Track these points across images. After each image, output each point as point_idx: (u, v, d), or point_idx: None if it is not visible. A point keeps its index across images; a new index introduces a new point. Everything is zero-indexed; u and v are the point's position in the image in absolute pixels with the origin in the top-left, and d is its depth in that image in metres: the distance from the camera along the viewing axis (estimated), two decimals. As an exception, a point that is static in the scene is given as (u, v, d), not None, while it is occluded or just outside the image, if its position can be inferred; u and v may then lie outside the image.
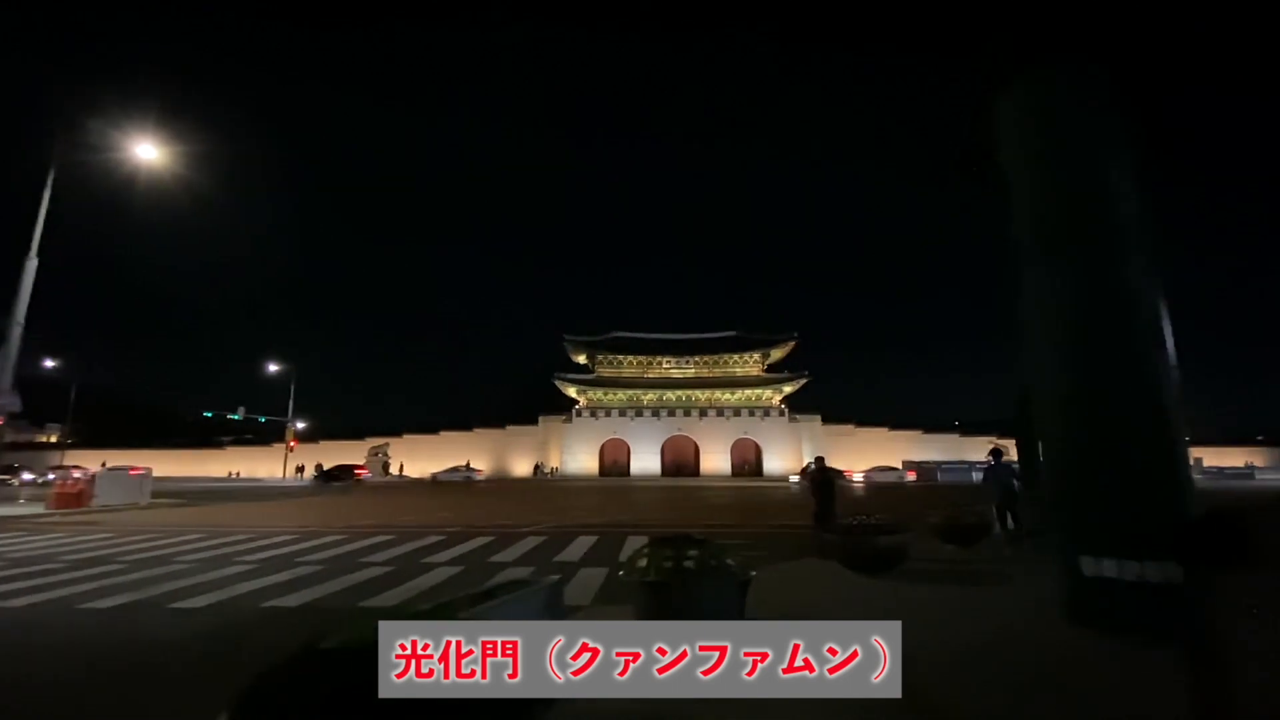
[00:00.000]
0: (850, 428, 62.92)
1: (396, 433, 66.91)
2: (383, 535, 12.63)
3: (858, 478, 48.84)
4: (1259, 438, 61.09)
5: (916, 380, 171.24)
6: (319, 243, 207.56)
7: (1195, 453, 48.13)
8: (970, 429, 67.30)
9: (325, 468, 41.43)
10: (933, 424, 66.19)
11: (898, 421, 65.07)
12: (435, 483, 46.98)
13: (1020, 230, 5.93)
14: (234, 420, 51.99)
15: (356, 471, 52.27)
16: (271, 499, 26.40)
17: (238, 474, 64.20)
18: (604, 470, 61.23)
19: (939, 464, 49.28)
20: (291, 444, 53.48)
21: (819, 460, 9.49)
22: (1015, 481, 10.30)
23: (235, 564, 9.22)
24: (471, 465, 56.99)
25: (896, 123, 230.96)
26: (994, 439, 61.88)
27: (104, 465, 35.99)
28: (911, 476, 49.54)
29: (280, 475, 55.98)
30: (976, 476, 46.22)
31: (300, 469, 55.36)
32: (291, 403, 54.54)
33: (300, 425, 57.82)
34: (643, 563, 4.73)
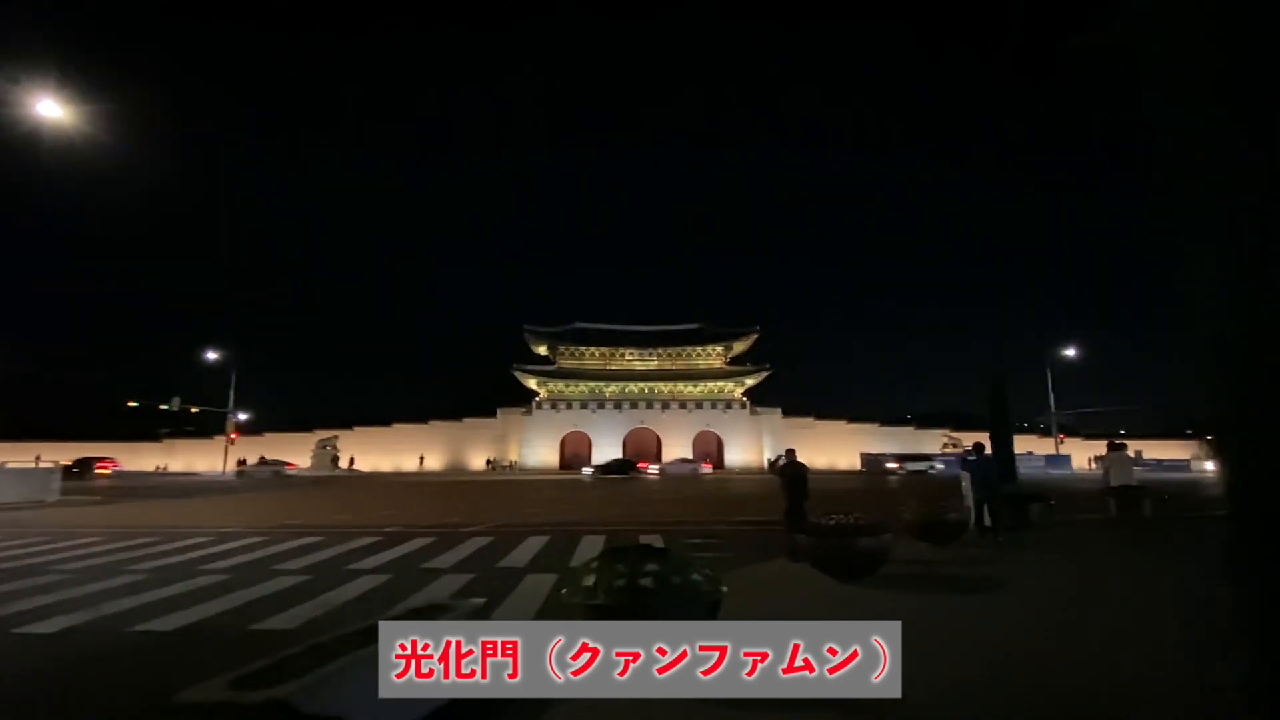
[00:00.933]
0: (810, 420, 63.43)
1: (347, 425, 64.23)
2: (311, 536, 11.39)
3: (653, 469, 49.38)
4: (1187, 431, 63.87)
5: (875, 374, 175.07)
6: (266, 225, 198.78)
7: (1137, 445, 50.02)
8: (925, 422, 68.87)
9: (248, 461, 39.24)
10: (889, 417, 67.40)
11: (855, 415, 66.01)
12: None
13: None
14: (175, 411, 48.88)
15: (288, 465, 49.88)
16: (203, 495, 24.48)
17: (164, 468, 60.49)
18: (565, 464, 60.10)
19: (895, 457, 49.85)
20: (232, 436, 50.62)
21: (789, 453, 8.77)
22: (995, 476, 9.81)
23: (123, 573, 7.94)
24: (424, 459, 55.06)
25: (864, 102, 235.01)
26: (947, 432, 63.66)
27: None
28: (707, 468, 50.23)
29: (221, 469, 52.92)
30: (934, 469, 47.01)
31: (242, 463, 52.43)
32: (232, 393, 51.60)
33: (242, 417, 54.87)
34: (590, 580, 3.84)
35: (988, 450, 10.42)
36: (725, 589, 4.09)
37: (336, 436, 57.95)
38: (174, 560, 8.94)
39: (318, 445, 57.04)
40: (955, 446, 57.41)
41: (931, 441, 59.89)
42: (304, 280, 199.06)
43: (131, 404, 44.59)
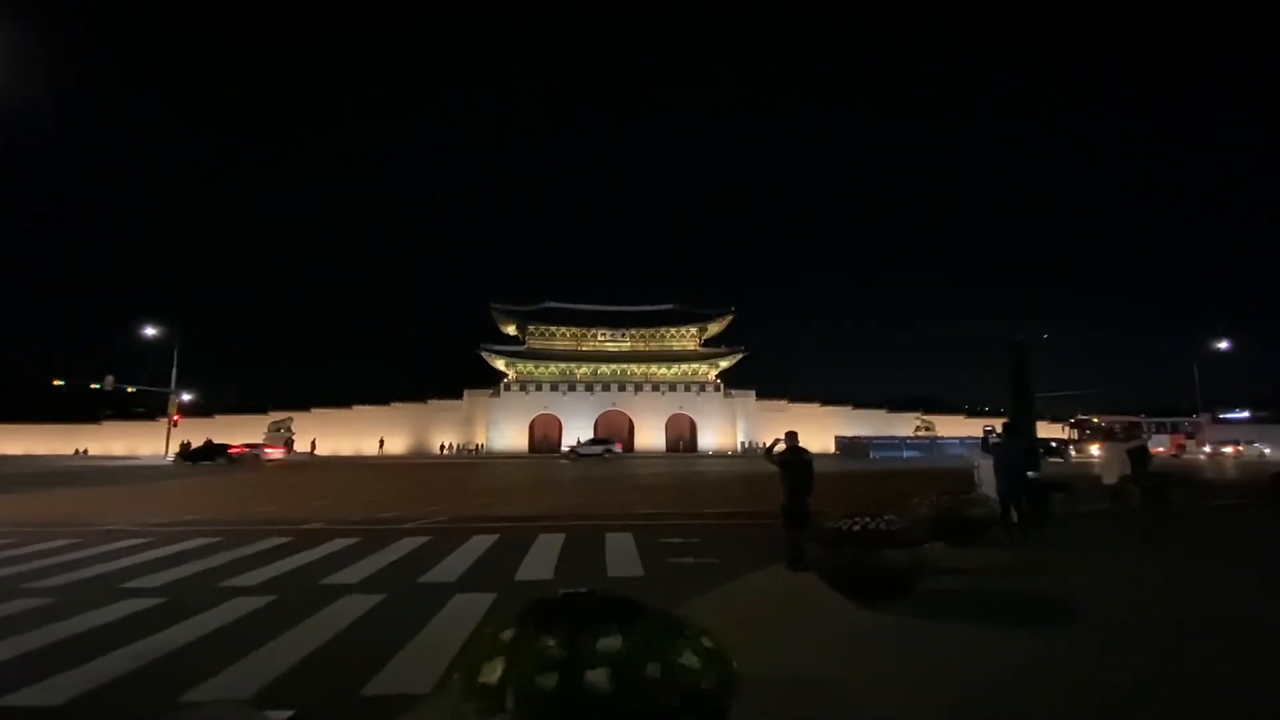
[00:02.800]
0: (784, 403, 62.58)
1: (304, 406, 61.11)
2: (205, 537, 9.41)
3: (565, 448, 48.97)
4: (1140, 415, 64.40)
5: (849, 359, 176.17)
6: (220, 194, 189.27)
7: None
8: (898, 405, 68.70)
9: (193, 445, 36.24)
10: (862, 400, 67.00)
11: (828, 398, 65.43)
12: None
13: None
14: (109, 391, 45.35)
15: (266, 450, 46.00)
16: (120, 482, 21.97)
17: (85, 451, 56.49)
18: (534, 447, 58.17)
19: (870, 439, 49.15)
20: (175, 418, 47.42)
21: (791, 437, 7.12)
22: (1024, 462, 8.36)
23: (-87, 596, 5.92)
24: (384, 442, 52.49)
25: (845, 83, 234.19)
26: (920, 415, 63.58)
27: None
28: (619, 448, 48.85)
29: (164, 453, 49.58)
30: (908, 454, 46.32)
31: (186, 446, 49.16)
32: (174, 372, 48.40)
33: (186, 397, 51.50)
34: (493, 673, 2.08)
35: (991, 432, 8.93)
36: (738, 672, 2.36)
37: (290, 418, 54.90)
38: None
39: (270, 427, 53.91)
40: (928, 430, 57.26)
41: (904, 424, 59.62)
42: (261, 257, 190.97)
43: (56, 382, 40.96)
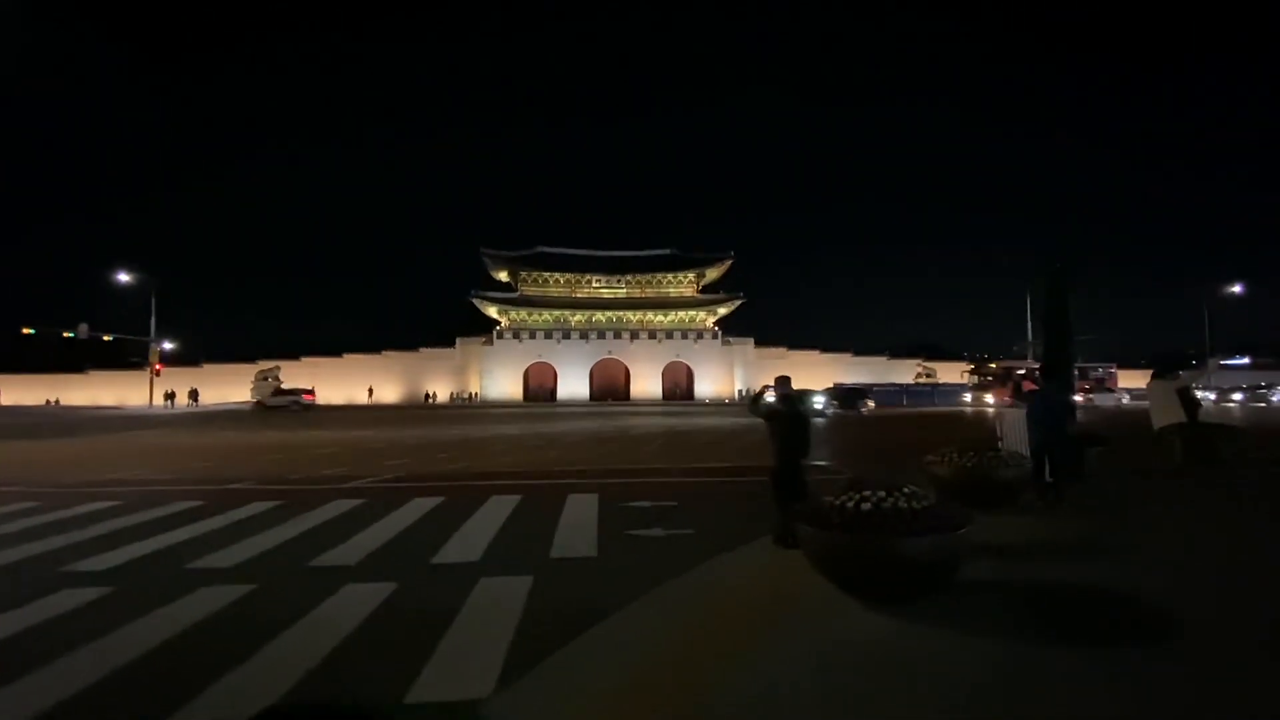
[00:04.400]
0: (783, 350, 61.21)
1: (294, 356, 59.86)
2: (103, 500, 8.13)
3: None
4: (1141, 361, 63.34)
5: (849, 306, 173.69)
6: (202, 130, 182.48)
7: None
8: (898, 353, 67.34)
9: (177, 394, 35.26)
10: (863, 347, 65.66)
11: (828, 345, 64.08)
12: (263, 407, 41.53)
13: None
14: (84, 339, 43.96)
15: (305, 395, 44.02)
16: (86, 434, 20.81)
17: (56, 401, 55.43)
18: (529, 395, 57.21)
19: (869, 387, 47.86)
20: (156, 367, 46.19)
21: (782, 383, 5.68)
22: (1064, 414, 6.97)
23: None
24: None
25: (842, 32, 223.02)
26: (920, 362, 62.22)
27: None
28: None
29: (149, 403, 48.62)
30: (906, 400, 45.11)
31: (170, 395, 48.22)
32: (153, 320, 46.83)
33: (169, 347, 50.14)
34: None
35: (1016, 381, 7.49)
36: None
37: (278, 367, 53.58)
38: None
39: (257, 377, 52.71)
40: (928, 376, 56.14)
41: (905, 371, 58.45)
42: (250, 205, 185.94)
43: (27, 330, 39.47)
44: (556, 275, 62.11)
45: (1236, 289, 49.79)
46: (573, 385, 57.69)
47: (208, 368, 60.45)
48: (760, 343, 60.85)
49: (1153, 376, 9.40)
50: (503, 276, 62.93)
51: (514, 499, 7.99)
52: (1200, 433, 9.59)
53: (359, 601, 4.24)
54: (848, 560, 3.73)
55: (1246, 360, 58.16)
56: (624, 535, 6.06)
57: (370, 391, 55.23)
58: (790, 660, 3.18)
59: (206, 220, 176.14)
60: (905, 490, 3.89)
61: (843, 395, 37.03)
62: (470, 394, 57.37)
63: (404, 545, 5.81)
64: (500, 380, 57.05)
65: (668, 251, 65.07)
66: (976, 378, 44.39)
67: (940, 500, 4.03)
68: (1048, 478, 6.84)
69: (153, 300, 46.47)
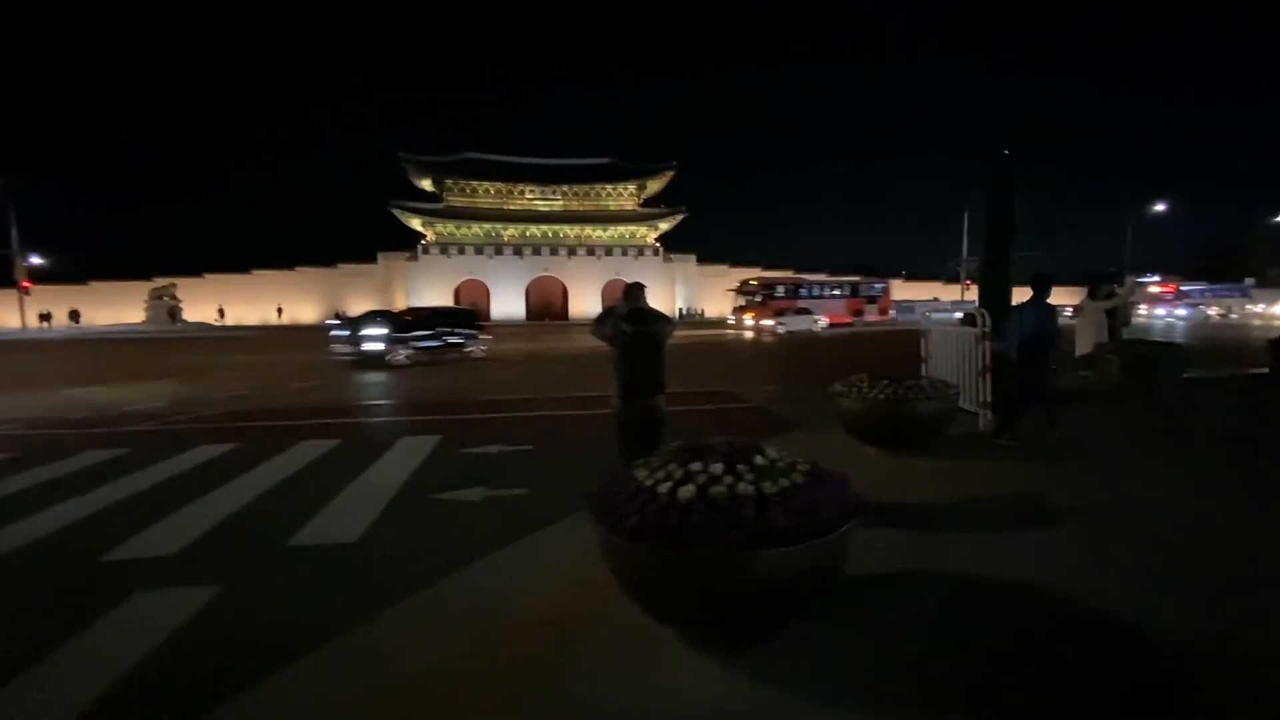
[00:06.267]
0: (725, 268, 59.80)
1: (195, 272, 54.36)
2: None
3: None
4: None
5: (792, 224, 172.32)
6: (79, 10, 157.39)
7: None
8: (838, 269, 67.08)
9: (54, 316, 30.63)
10: (804, 265, 64.99)
11: (770, 262, 63.03)
12: None
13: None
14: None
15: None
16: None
17: None
18: (461, 315, 54.24)
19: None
20: (24, 284, 40.78)
21: (634, 292, 3.99)
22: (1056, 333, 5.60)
23: None
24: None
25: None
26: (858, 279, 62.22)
27: None
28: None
29: (21, 325, 43.29)
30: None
31: (45, 316, 43.08)
32: (14, 230, 40.71)
33: (38, 261, 44.20)
34: None
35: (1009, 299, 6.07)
36: None
37: (173, 284, 48.67)
38: None
39: (151, 295, 47.81)
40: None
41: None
42: (145, 106, 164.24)
43: None
44: (486, 185, 57.59)
45: (1160, 208, 50.90)
46: (507, 304, 55.08)
47: (95, 286, 54.24)
48: (703, 260, 59.20)
49: (1087, 295, 8.27)
50: (426, 185, 57.93)
51: (326, 444, 6.25)
52: (1139, 352, 8.70)
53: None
54: (656, 585, 2.22)
55: (1156, 279, 60.61)
56: (427, 500, 4.46)
57: (280, 311, 51.02)
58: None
59: (93, 124, 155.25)
60: (761, 457, 2.36)
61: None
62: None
63: (94, 527, 4.04)
64: (428, 299, 53.57)
65: (606, 161, 61.19)
66: (743, 298, 34.95)
67: (827, 463, 2.54)
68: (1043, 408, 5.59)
69: (10, 209, 40.24)
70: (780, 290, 35.15)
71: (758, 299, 33.38)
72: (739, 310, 33.49)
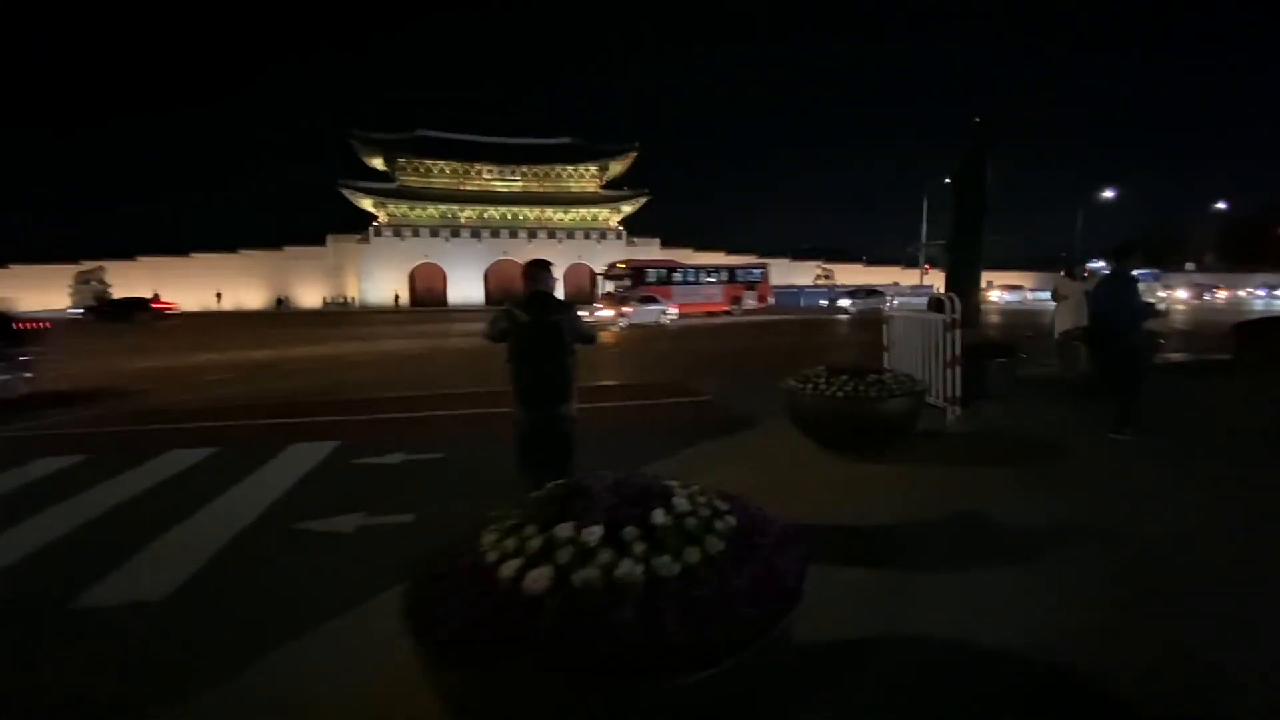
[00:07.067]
0: (689, 252, 59.06)
1: (128, 255, 51.01)
2: None
3: None
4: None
5: (755, 208, 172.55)
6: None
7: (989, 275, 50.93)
8: (801, 254, 67.20)
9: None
10: (767, 249, 64.86)
11: (734, 246, 62.67)
12: None
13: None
14: None
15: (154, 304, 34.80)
16: None
17: None
18: (416, 300, 52.28)
19: (860, 288, 46.65)
20: (-70, 268, 37.43)
21: (537, 273, 3.18)
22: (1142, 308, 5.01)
23: None
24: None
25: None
26: (820, 264, 62.40)
27: None
28: None
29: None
30: (804, 301, 44.04)
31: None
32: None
33: (-55, 241, 40.61)
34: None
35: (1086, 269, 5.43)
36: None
37: (101, 267, 45.43)
38: None
39: (77, 279, 44.55)
40: (827, 278, 56.51)
41: (805, 273, 58.59)
42: (66, 64, 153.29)
43: None
44: (441, 164, 55.39)
45: (1109, 194, 52.13)
46: (465, 288, 53.33)
47: (16, 270, 50.41)
48: (667, 243, 58.36)
49: (1064, 274, 7.78)
50: (378, 164, 55.43)
51: (201, 453, 5.27)
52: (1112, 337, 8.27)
53: None
54: None
55: (1101, 264, 62.34)
56: (284, 533, 3.58)
57: (219, 297, 48.33)
58: None
59: (16, 98, 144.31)
60: (664, 511, 1.59)
61: (853, 293, 34.68)
62: (347, 298, 51.69)
63: None
64: (381, 283, 51.55)
65: (568, 141, 59.57)
66: (611, 283, 30.48)
67: (776, 474, 1.78)
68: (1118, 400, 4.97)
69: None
70: (653, 275, 30.92)
71: (626, 284, 29.01)
72: (606, 298, 26.78)
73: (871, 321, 20.50)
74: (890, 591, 2.61)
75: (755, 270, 36.83)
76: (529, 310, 2.99)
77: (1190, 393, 7.26)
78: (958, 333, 5.46)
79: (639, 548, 1.46)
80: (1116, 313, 4.92)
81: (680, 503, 1.65)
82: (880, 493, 3.83)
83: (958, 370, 5.50)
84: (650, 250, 56.99)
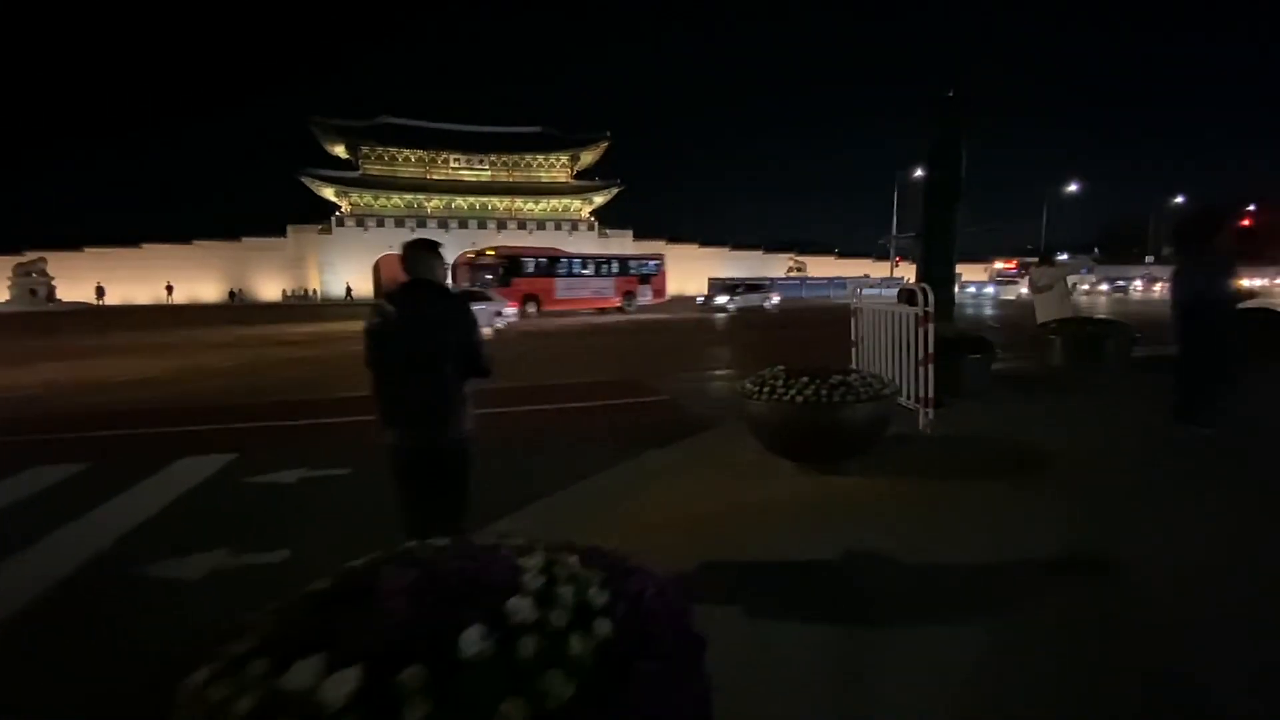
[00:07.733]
0: (662, 244, 58.52)
1: (74, 245, 48.46)
2: None
3: None
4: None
5: (728, 200, 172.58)
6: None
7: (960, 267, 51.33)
8: (773, 247, 67.07)
9: None
10: (740, 242, 64.57)
11: (707, 239, 62.26)
12: None
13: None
14: None
15: None
16: None
17: None
18: (381, 292, 50.63)
19: (741, 281, 46.10)
20: None
21: (416, 256, 2.59)
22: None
23: None
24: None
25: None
26: (793, 256, 62.32)
27: None
28: None
29: None
30: (774, 299, 41.67)
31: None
32: None
33: None
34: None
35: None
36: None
37: (42, 259, 43.00)
38: None
39: (16, 271, 42.06)
40: (799, 270, 56.56)
41: (778, 265, 58.47)
42: (13, 46, 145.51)
43: None
44: (407, 152, 53.75)
45: (1072, 188, 52.92)
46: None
47: (-51, 260, 47.48)
48: (639, 235, 57.66)
49: (1040, 262, 7.39)
50: (340, 152, 53.58)
51: (66, 470, 4.51)
52: (1084, 330, 7.94)
53: None
54: None
55: (1065, 256, 63.54)
56: (114, 580, 2.90)
57: (170, 290, 46.22)
58: None
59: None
60: (521, 599, 0.99)
61: (732, 288, 31.85)
62: (308, 290, 49.89)
63: None
64: (344, 275, 49.89)
65: (538, 130, 58.33)
66: (474, 272, 25.56)
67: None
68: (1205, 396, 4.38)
69: None
70: (530, 265, 27.42)
71: (496, 276, 25.45)
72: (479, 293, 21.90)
73: (753, 321, 18.59)
74: (859, 663, 2.06)
75: (651, 262, 33.42)
76: (402, 303, 2.36)
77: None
78: (931, 327, 4.97)
79: (420, 709, 0.86)
80: (1207, 295, 4.24)
81: (520, 606, 1.05)
82: (845, 516, 3.29)
83: (930, 368, 5.02)
84: (623, 241, 56.24)
